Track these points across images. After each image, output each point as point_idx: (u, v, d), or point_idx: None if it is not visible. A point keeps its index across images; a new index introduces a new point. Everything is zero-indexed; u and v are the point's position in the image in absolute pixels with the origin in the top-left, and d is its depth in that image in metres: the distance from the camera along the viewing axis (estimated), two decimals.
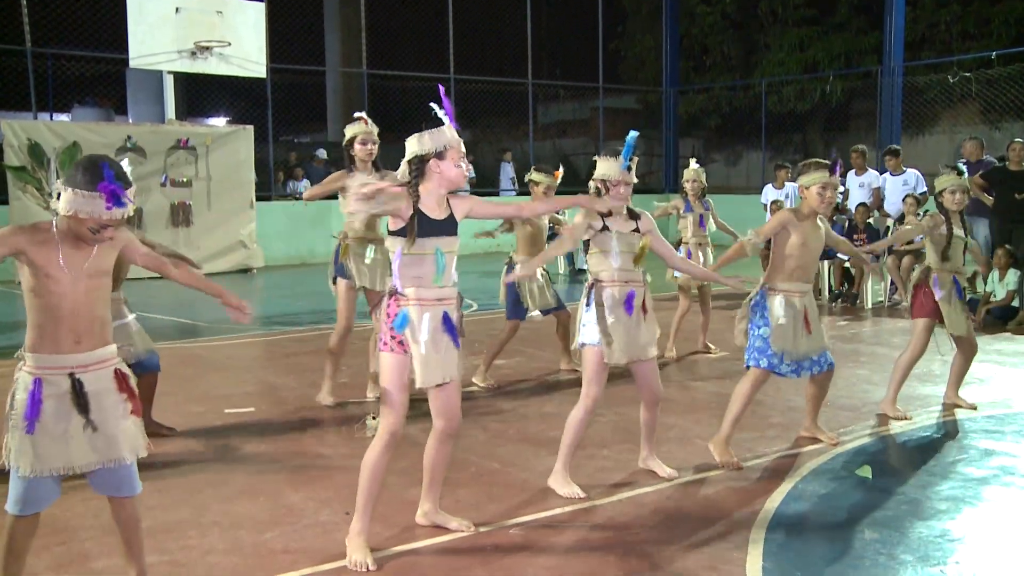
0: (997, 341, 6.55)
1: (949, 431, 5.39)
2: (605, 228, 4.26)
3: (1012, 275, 8.95)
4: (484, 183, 18.33)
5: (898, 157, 10.99)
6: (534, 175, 6.52)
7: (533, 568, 3.50)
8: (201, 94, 19.62)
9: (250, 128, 14.55)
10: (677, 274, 7.33)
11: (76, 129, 13.36)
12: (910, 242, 10.05)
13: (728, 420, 4.78)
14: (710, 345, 7.75)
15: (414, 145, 3.55)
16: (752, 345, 4.81)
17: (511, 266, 6.38)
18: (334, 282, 5.90)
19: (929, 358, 5.74)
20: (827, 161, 4.80)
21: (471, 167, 3.78)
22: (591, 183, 4.39)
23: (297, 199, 16.47)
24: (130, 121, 16.35)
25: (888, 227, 10.62)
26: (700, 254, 7.55)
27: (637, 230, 4.31)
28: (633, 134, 4.34)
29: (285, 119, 18.98)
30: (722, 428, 4.80)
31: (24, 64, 13.45)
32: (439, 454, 3.79)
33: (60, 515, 4.04)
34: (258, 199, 14.54)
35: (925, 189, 10.75)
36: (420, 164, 3.53)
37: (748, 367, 4.82)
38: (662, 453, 4.84)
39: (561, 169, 6.63)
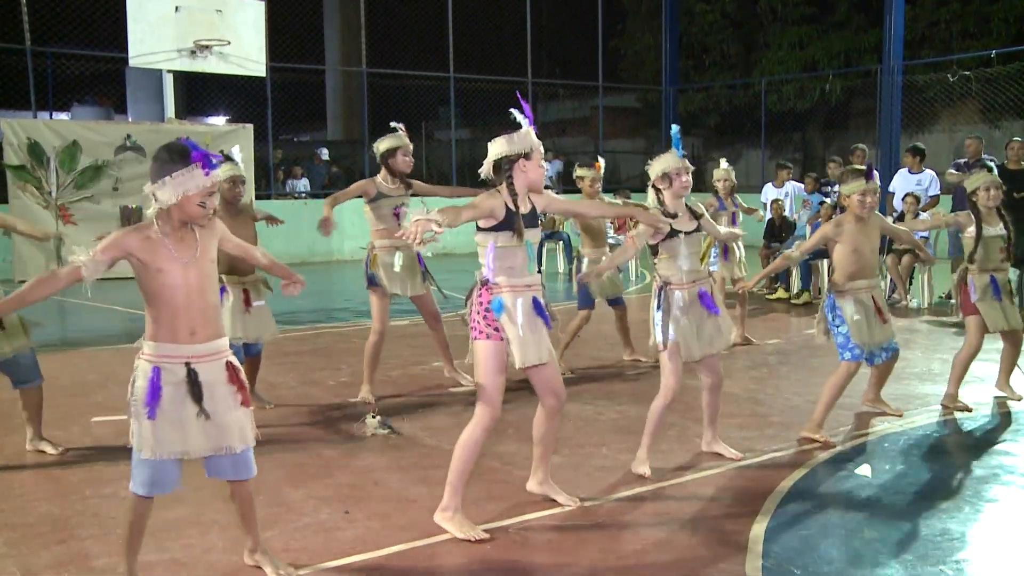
0: (997, 340, 6.53)
1: (949, 431, 5.39)
2: (674, 233, 4.43)
3: (1011, 274, 8.94)
4: None
5: (918, 156, 10.93)
6: (579, 171, 7.00)
7: (533, 567, 3.50)
8: (201, 93, 19.63)
9: (250, 127, 14.54)
10: (713, 268, 7.73)
11: (76, 128, 13.37)
12: None
13: (821, 407, 5.08)
14: (749, 337, 8.02)
15: (503, 147, 3.76)
16: (837, 343, 5.12)
17: (580, 260, 7.09)
18: (368, 288, 6.09)
19: (928, 357, 5.74)
20: (863, 167, 5.07)
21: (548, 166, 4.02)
22: (650, 189, 4.55)
23: (296, 198, 16.47)
24: (130, 120, 16.37)
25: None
26: (735, 249, 7.88)
27: (699, 228, 4.54)
28: (675, 127, 4.64)
29: (285, 118, 18.99)
30: (815, 414, 5.10)
31: (24, 63, 13.44)
32: (548, 428, 4.04)
33: (60, 514, 4.05)
34: (258, 198, 14.54)
35: (938, 191, 10.72)
36: (510, 164, 3.75)
37: (841, 361, 5.09)
38: (661, 453, 4.85)
39: (601, 160, 7.17)
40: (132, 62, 13.35)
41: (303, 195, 16.60)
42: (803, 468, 4.63)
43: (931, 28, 19.69)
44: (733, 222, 8.01)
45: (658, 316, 4.48)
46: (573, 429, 5.36)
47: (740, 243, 7.92)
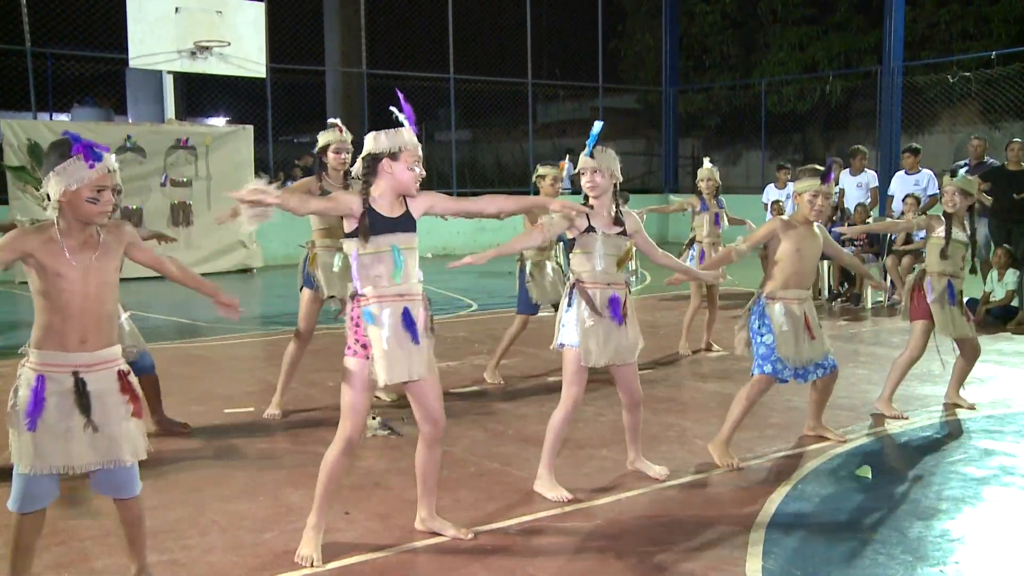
0: (997, 341, 6.55)
1: (949, 431, 5.39)
2: (591, 229, 4.19)
3: (1011, 275, 8.95)
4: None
5: (916, 156, 10.95)
6: (540, 169, 6.61)
7: (532, 568, 3.50)
8: (201, 94, 19.63)
9: (250, 128, 14.55)
10: None
11: (76, 129, 13.32)
12: (909, 241, 10.08)
13: (728, 423, 4.77)
14: (713, 344, 7.81)
15: (370, 143, 3.51)
16: (756, 353, 4.78)
17: (523, 262, 6.55)
18: (301, 290, 5.81)
19: (929, 358, 5.74)
20: (821, 168, 4.76)
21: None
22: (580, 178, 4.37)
23: None
24: (130, 121, 16.34)
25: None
26: (713, 252, 7.62)
27: (624, 232, 4.25)
28: (598, 124, 4.27)
29: (285, 119, 18.99)
30: (722, 430, 4.79)
31: (24, 64, 13.45)
32: (428, 460, 3.75)
33: (60, 515, 4.04)
34: None
35: (936, 191, 10.72)
36: (372, 163, 3.49)
37: (753, 374, 4.77)
38: (661, 452, 4.84)
39: (566, 160, 6.70)
40: (132, 63, 13.36)
41: None
42: (803, 470, 4.63)
43: (931, 29, 19.70)
44: (716, 223, 7.78)
45: (566, 316, 4.22)
46: (573, 429, 5.35)
47: (722, 247, 7.69)
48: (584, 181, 4.22)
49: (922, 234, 9.91)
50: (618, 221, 4.24)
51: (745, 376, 6.76)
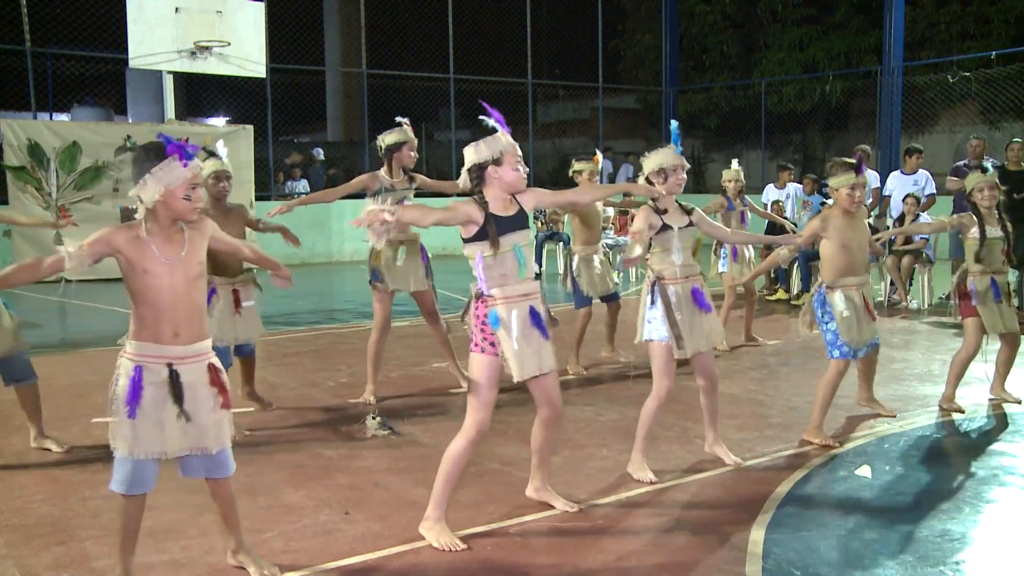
0: (997, 341, 6.53)
1: (949, 431, 5.39)
2: (666, 227, 4.40)
3: (1011, 275, 8.94)
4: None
5: (916, 156, 10.95)
6: (576, 164, 6.88)
7: (532, 568, 3.50)
8: (201, 94, 19.63)
9: (250, 128, 14.54)
10: (722, 269, 7.86)
11: (76, 129, 13.36)
12: (909, 241, 10.08)
13: (817, 408, 5.04)
14: (756, 337, 8.07)
15: (471, 155, 3.68)
16: (826, 339, 5.06)
17: (571, 258, 6.99)
18: (370, 284, 6.06)
19: (929, 358, 5.75)
20: (852, 161, 4.96)
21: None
22: (641, 181, 4.52)
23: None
24: (130, 121, 16.36)
25: (887, 227, 10.60)
26: (744, 251, 7.95)
27: (691, 224, 4.49)
28: (675, 123, 4.58)
29: (285, 119, 18.99)
30: (813, 416, 5.06)
31: (24, 64, 13.44)
32: (544, 439, 4.01)
33: (60, 515, 4.05)
34: (257, 199, 14.54)
35: (934, 191, 10.73)
36: (480, 172, 3.66)
37: (830, 358, 5.04)
38: (661, 452, 4.85)
39: (599, 154, 7.00)
40: (132, 63, 13.36)
41: (301, 195, 16.58)
42: (803, 469, 4.63)
43: (931, 29, 19.69)
44: (743, 221, 8.09)
45: (650, 312, 4.44)
46: (573, 430, 5.35)
47: (750, 245, 8.03)
48: (679, 177, 4.42)
49: (923, 236, 9.99)
50: (687, 212, 4.49)
51: (745, 377, 6.81)
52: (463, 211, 3.61)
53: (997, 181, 5.67)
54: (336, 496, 4.28)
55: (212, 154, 5.39)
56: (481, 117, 3.73)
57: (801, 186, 11.87)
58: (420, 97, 18.16)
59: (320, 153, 18.04)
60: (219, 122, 19.01)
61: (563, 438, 5.00)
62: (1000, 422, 5.52)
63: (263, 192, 15.54)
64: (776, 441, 5.13)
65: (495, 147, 3.65)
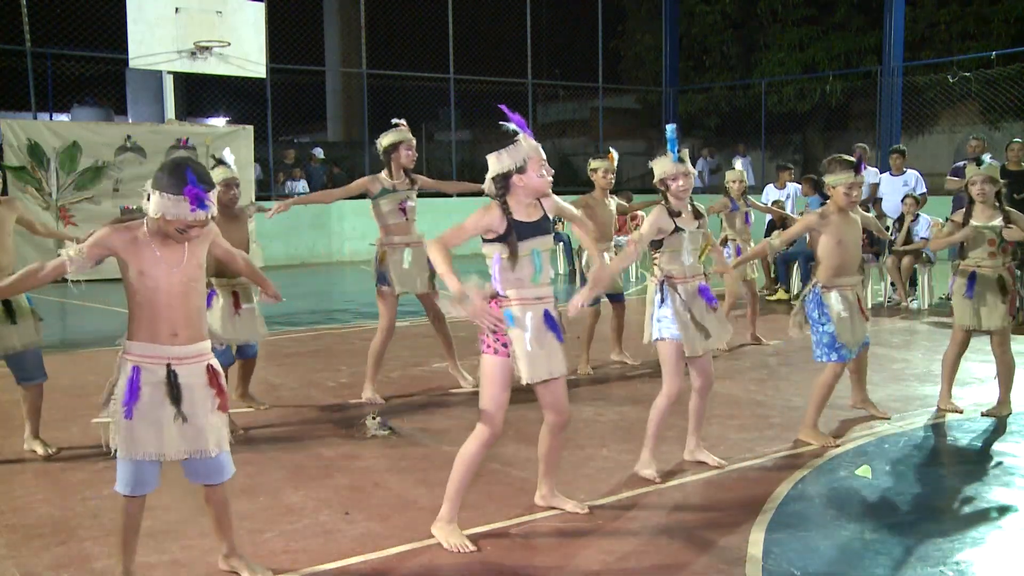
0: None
1: (949, 431, 5.39)
2: (678, 229, 4.39)
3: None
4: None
5: (904, 157, 11.01)
6: (592, 163, 6.93)
7: (532, 568, 3.50)
8: (201, 94, 19.61)
9: (250, 128, 14.55)
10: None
11: (76, 129, 13.37)
12: (909, 241, 10.09)
13: (812, 409, 5.06)
14: (760, 337, 8.10)
15: (494, 164, 3.65)
16: (820, 342, 4.99)
17: (581, 256, 7.14)
18: (377, 286, 6.09)
19: (929, 359, 5.74)
20: (851, 159, 4.91)
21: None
22: (657, 183, 4.51)
23: None
24: (130, 121, 16.35)
25: (887, 227, 10.61)
26: (747, 249, 7.97)
27: (700, 227, 4.49)
28: (671, 126, 4.48)
29: (285, 119, 18.98)
30: (807, 417, 5.08)
31: (24, 64, 13.44)
32: (551, 445, 4.01)
33: (60, 515, 4.05)
34: (257, 199, 14.54)
35: (925, 190, 10.75)
36: (504, 181, 3.63)
37: (821, 361, 5.00)
38: (661, 452, 4.84)
39: (614, 151, 7.01)
40: (132, 63, 13.36)
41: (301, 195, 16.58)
42: (803, 469, 4.63)
43: (931, 29, 19.68)
44: (747, 221, 8.12)
45: (659, 312, 4.45)
46: (573, 430, 5.35)
47: (752, 243, 8.07)
48: (680, 184, 4.36)
49: (923, 234, 9.99)
50: (698, 214, 4.48)
51: (746, 377, 6.80)
52: (484, 223, 3.59)
53: (994, 175, 5.48)
54: (336, 496, 4.28)
55: (221, 162, 5.38)
56: (501, 122, 3.69)
57: (801, 186, 11.88)
58: (420, 97, 18.16)
59: (320, 152, 18.04)
60: (219, 122, 19.00)
61: (563, 438, 4.98)
62: (1000, 422, 5.52)
63: (263, 192, 15.55)
64: (776, 441, 5.13)
65: (518, 155, 3.60)
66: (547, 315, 3.65)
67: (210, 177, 3.11)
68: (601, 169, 6.82)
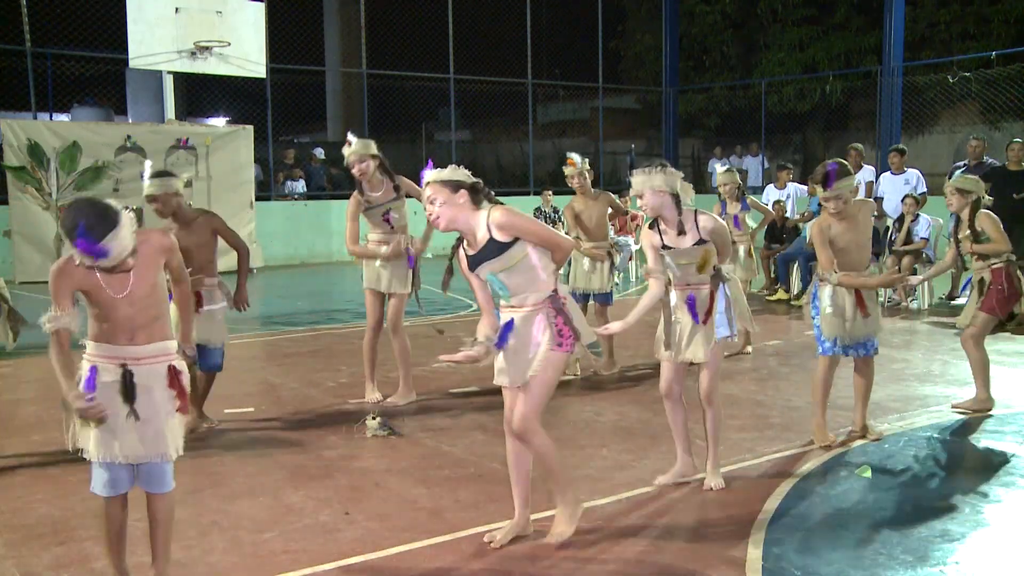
0: (997, 341, 6.54)
1: (949, 431, 5.39)
2: (665, 247, 4.29)
3: None
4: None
5: (903, 156, 10.99)
6: (566, 171, 6.94)
7: (532, 568, 3.50)
8: (201, 94, 19.61)
9: (250, 128, 14.54)
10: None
11: (76, 129, 13.36)
12: (909, 242, 10.09)
13: (815, 407, 5.09)
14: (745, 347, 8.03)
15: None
16: (816, 335, 5.08)
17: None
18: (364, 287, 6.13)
19: (929, 359, 5.75)
20: (820, 175, 4.80)
21: None
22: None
23: (295, 199, 16.46)
24: (130, 121, 16.32)
25: (887, 227, 10.62)
26: (740, 251, 7.96)
27: (700, 241, 4.27)
28: (632, 147, 4.43)
29: (285, 119, 18.97)
30: (814, 420, 5.10)
31: (24, 64, 13.44)
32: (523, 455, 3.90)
33: (60, 515, 4.05)
34: (257, 199, 14.55)
35: (925, 189, 10.75)
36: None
37: (818, 356, 5.10)
38: (661, 452, 4.85)
39: (574, 156, 6.97)
40: (132, 63, 13.36)
41: (298, 196, 16.56)
42: (803, 469, 4.63)
43: (931, 29, 19.69)
44: (736, 226, 8.01)
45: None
46: (573, 431, 5.35)
47: (745, 246, 8.04)
48: (644, 204, 4.28)
49: (923, 234, 10.00)
50: (682, 232, 4.27)
51: (746, 377, 6.80)
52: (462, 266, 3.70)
53: (963, 185, 5.63)
54: (336, 496, 4.28)
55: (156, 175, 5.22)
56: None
57: (801, 186, 11.87)
58: (420, 97, 18.17)
59: (320, 152, 18.04)
60: (219, 122, 18.99)
61: (563, 438, 4.99)
62: (1000, 422, 5.52)
63: (263, 192, 15.54)
64: (776, 441, 5.13)
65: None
66: (511, 324, 3.62)
67: (110, 219, 2.89)
68: (569, 176, 6.87)
